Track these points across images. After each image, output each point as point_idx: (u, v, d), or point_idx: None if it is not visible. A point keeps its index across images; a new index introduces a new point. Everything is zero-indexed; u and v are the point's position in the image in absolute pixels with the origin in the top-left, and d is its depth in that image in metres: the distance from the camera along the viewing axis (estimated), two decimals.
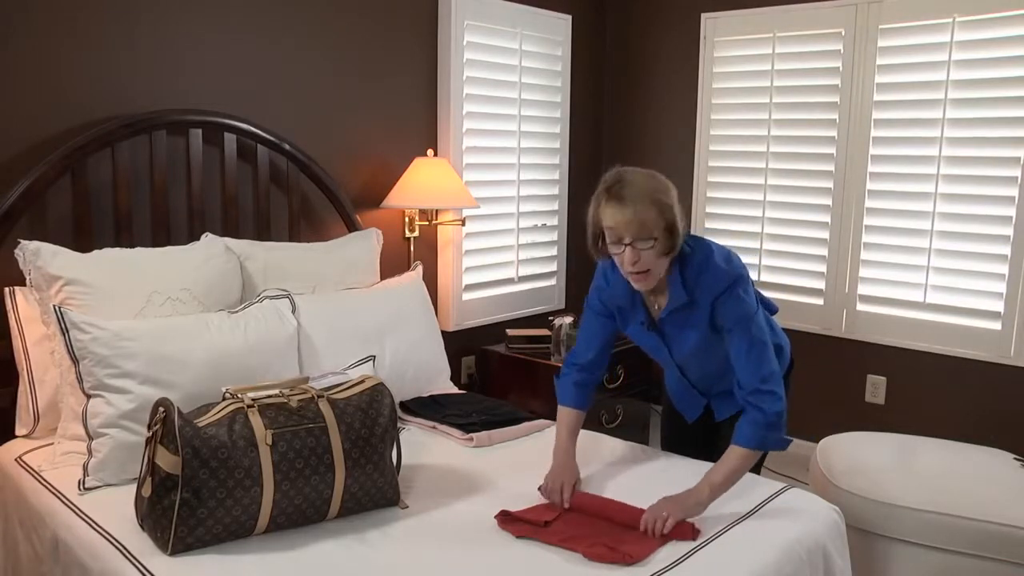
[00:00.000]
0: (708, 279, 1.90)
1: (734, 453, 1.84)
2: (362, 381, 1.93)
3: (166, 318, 2.14)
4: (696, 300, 1.92)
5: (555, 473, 1.95)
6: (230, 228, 2.70)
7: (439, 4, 3.36)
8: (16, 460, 2.09)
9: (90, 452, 1.94)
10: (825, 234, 3.61)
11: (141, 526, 1.71)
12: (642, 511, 1.78)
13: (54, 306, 1.98)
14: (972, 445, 2.67)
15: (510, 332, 3.51)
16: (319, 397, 1.83)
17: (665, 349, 2.08)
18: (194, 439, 1.63)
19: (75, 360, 1.96)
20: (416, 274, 2.89)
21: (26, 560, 1.93)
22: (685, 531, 1.73)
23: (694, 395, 2.23)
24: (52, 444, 2.09)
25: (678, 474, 2.05)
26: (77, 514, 1.80)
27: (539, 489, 1.94)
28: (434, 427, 2.41)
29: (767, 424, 1.84)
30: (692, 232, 4.15)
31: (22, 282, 2.18)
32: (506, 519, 1.80)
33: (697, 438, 2.30)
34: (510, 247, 3.75)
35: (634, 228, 1.80)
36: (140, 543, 1.66)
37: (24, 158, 2.30)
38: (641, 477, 2.06)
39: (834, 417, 3.70)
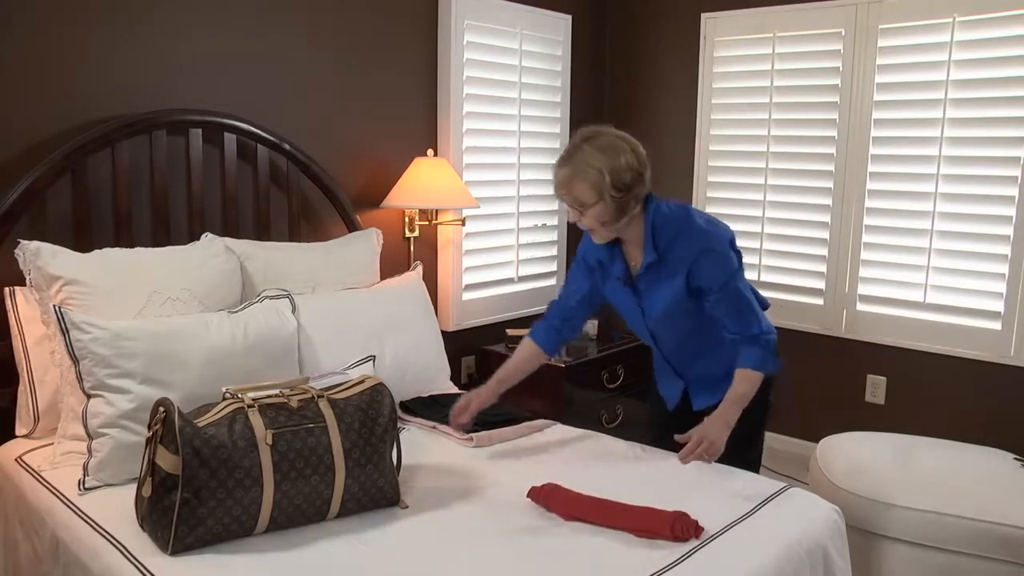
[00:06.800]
0: (685, 240, 2.02)
1: (741, 376, 2.04)
2: (362, 381, 1.93)
3: (166, 318, 2.14)
4: (667, 260, 2.05)
5: (470, 394, 2.22)
6: (230, 228, 2.70)
7: (439, 4, 3.36)
8: (16, 460, 2.09)
9: (90, 452, 1.94)
10: (825, 234, 3.61)
11: (141, 526, 1.71)
12: (643, 509, 1.76)
13: (54, 306, 1.98)
14: (972, 445, 2.67)
15: (510, 332, 3.51)
16: (319, 397, 1.83)
17: (639, 309, 2.17)
18: (194, 439, 1.63)
19: (75, 360, 1.95)
20: (416, 274, 2.89)
21: (26, 560, 1.93)
22: (689, 530, 1.73)
23: (671, 375, 2.30)
24: (52, 444, 2.09)
25: (679, 473, 2.05)
26: (77, 514, 1.80)
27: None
28: (434, 427, 2.41)
29: (766, 352, 2.05)
30: None
31: (22, 282, 2.18)
32: (539, 494, 1.86)
33: (679, 428, 2.29)
34: (510, 247, 3.75)
35: (566, 195, 2.00)
36: (140, 543, 1.66)
37: (24, 158, 2.30)
38: (641, 477, 2.06)
39: (834, 417, 3.70)
